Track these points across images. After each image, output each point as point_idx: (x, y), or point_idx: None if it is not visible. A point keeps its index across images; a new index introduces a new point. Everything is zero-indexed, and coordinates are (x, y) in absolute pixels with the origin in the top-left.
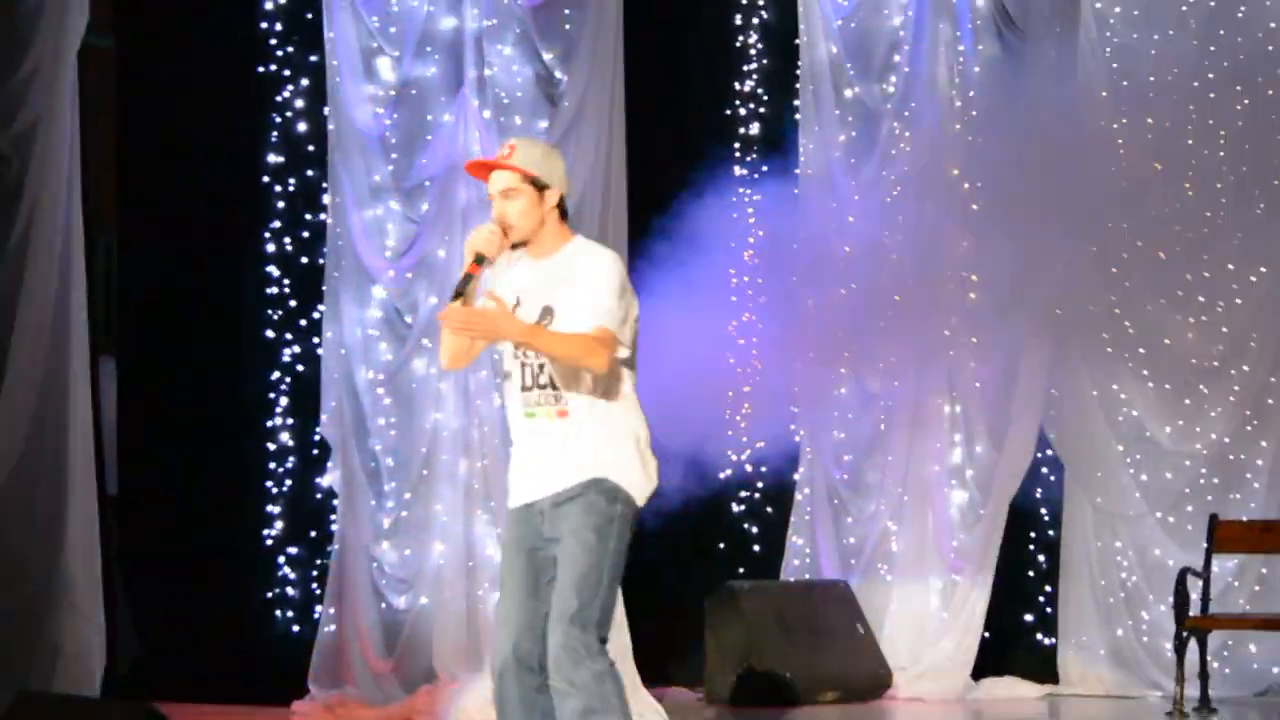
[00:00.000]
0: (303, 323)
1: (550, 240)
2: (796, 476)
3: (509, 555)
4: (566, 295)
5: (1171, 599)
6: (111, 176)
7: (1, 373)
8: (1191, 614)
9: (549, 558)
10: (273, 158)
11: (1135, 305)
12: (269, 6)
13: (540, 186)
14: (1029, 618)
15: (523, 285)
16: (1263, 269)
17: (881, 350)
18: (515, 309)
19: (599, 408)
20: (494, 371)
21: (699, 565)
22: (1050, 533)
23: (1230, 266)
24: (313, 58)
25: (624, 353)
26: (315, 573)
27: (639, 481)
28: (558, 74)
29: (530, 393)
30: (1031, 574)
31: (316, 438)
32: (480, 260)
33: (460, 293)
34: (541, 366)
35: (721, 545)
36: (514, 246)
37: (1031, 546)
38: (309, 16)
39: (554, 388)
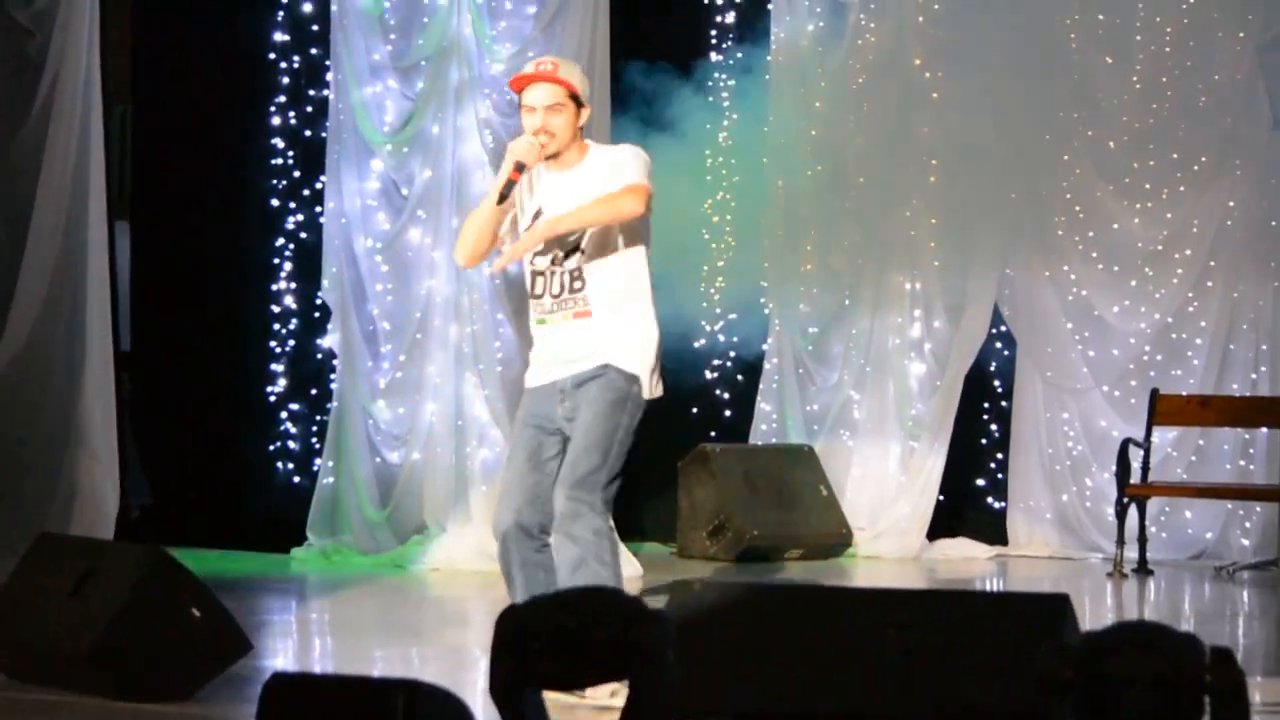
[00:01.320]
0: (305, 193)
1: (574, 154)
2: (765, 347)
3: (519, 429)
4: (601, 194)
5: (1114, 467)
6: (127, 51)
7: (24, 234)
8: (1132, 482)
9: (557, 435)
10: (278, 36)
11: (1085, 191)
12: None
13: (579, 103)
14: (981, 483)
15: (546, 196)
16: (1204, 158)
17: (846, 229)
18: (537, 217)
19: (620, 310)
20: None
21: (673, 429)
22: (1003, 404)
23: (1175, 155)
24: None
25: (643, 210)
26: (315, 428)
27: (651, 381)
28: None
29: (541, 300)
30: (984, 442)
31: (318, 301)
32: (521, 168)
33: (504, 197)
34: (576, 271)
35: (694, 410)
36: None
37: (985, 416)
38: None
39: (575, 291)
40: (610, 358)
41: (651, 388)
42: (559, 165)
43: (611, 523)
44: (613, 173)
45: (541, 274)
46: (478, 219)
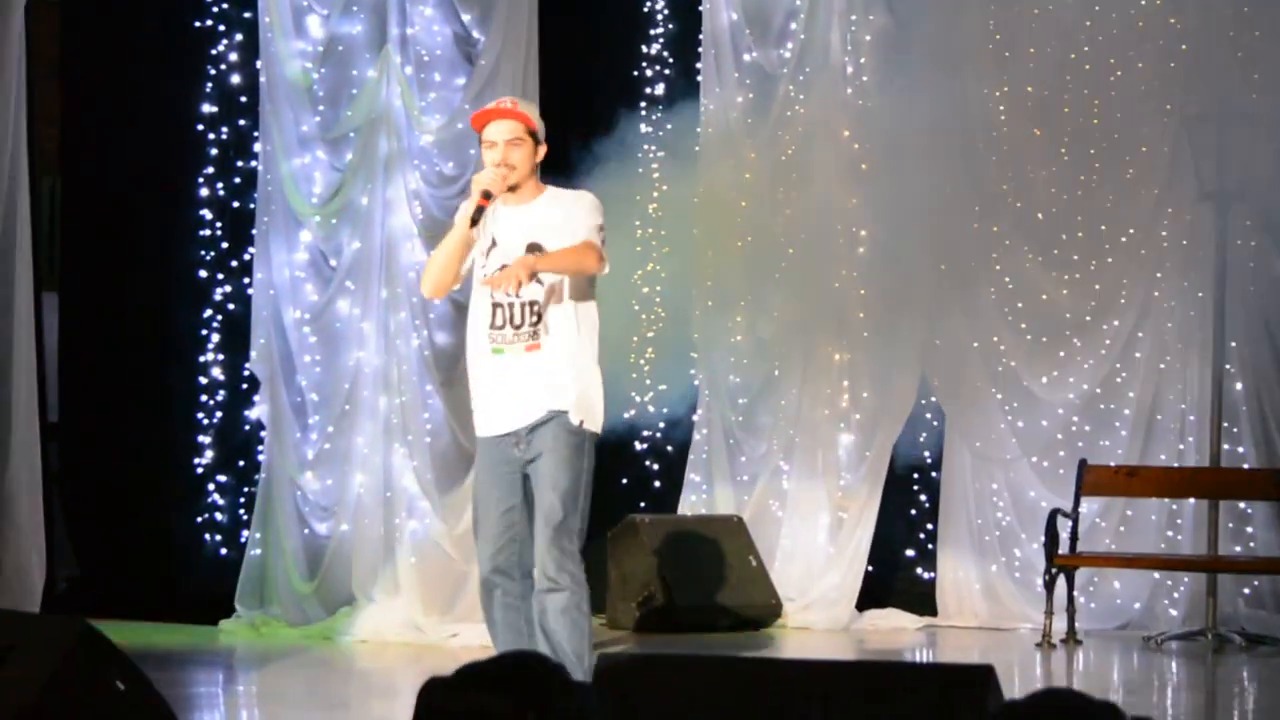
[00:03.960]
0: (234, 264)
1: (530, 189)
2: (695, 418)
3: (484, 477)
4: (554, 232)
5: (1043, 538)
6: (56, 123)
7: None
8: (1061, 552)
9: (520, 474)
10: (207, 107)
11: (1014, 262)
12: None
13: (537, 140)
14: (910, 553)
15: (501, 230)
16: (1131, 230)
17: (775, 300)
18: (492, 249)
19: (570, 344)
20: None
21: (602, 500)
22: (932, 474)
23: (1102, 227)
24: (247, 14)
25: (605, 269)
26: (243, 500)
27: (599, 415)
28: (475, 34)
29: (501, 331)
30: (913, 512)
31: (246, 373)
32: (488, 195)
33: (475, 222)
34: (533, 304)
35: (624, 481)
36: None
37: (914, 487)
38: None
39: (533, 324)
40: (562, 400)
41: (599, 420)
42: (515, 199)
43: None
44: (568, 220)
45: (501, 305)
46: (446, 249)
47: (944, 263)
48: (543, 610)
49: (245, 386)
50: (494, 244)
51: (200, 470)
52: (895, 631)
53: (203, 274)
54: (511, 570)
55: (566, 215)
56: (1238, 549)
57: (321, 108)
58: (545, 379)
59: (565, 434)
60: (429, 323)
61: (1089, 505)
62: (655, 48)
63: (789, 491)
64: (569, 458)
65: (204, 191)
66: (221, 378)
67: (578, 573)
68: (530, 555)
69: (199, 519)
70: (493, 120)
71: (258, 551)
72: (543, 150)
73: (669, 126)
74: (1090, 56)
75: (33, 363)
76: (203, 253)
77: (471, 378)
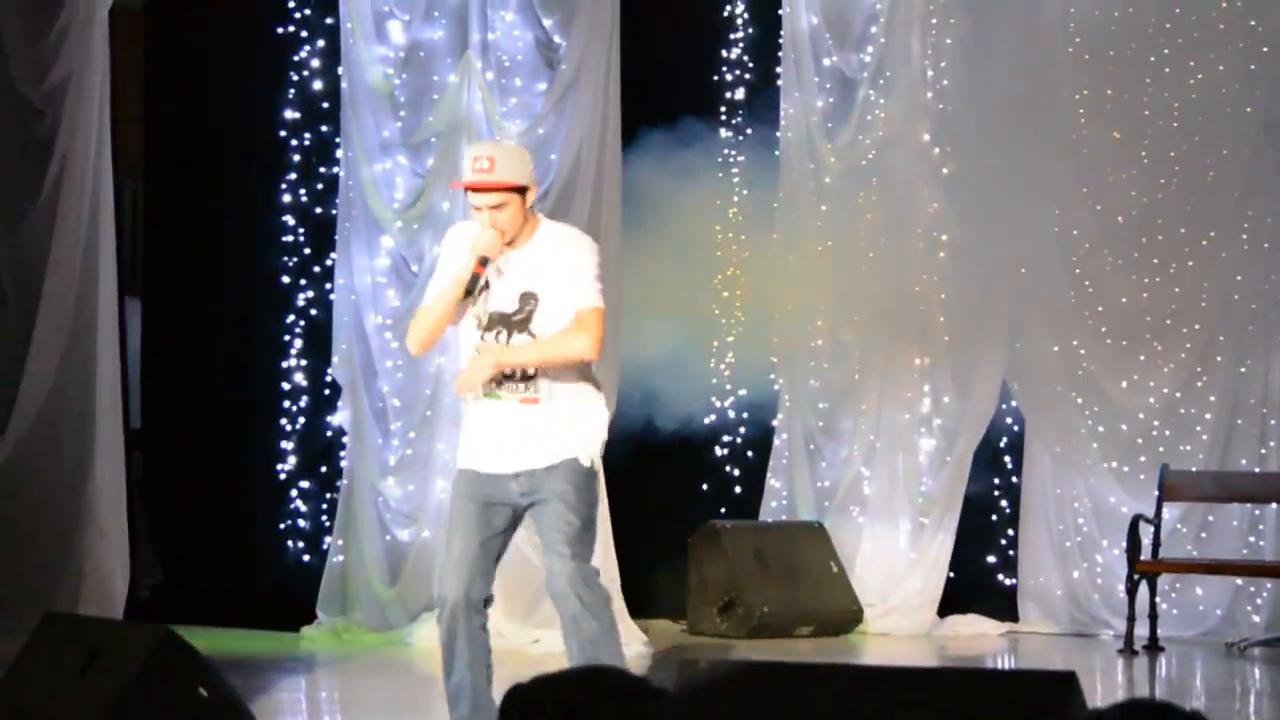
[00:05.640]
0: (316, 269)
1: (524, 230)
2: (775, 423)
3: (462, 505)
4: (550, 281)
5: (1124, 544)
6: (139, 130)
7: (35, 312)
8: (1142, 558)
9: (508, 508)
10: (289, 114)
11: (1093, 265)
12: None
13: (522, 191)
14: (991, 559)
15: (494, 273)
16: (1212, 233)
17: (856, 304)
18: (482, 291)
19: (568, 391)
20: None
21: (684, 505)
22: (1012, 479)
23: (1182, 230)
24: (329, 20)
25: (596, 355)
26: (325, 506)
27: (601, 439)
28: (557, 39)
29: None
30: (994, 518)
31: (328, 379)
32: (484, 262)
33: (469, 291)
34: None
35: (705, 486)
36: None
37: (995, 492)
38: None
39: (527, 378)
40: (562, 451)
41: (603, 441)
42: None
43: None
44: (572, 266)
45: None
46: (436, 311)
47: (1024, 266)
48: (581, 642)
49: (327, 392)
50: (487, 284)
51: (283, 477)
52: (977, 637)
53: (285, 280)
54: (479, 603)
55: (567, 264)
56: None
57: (403, 113)
58: (546, 433)
59: (572, 472)
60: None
61: (1170, 511)
62: (735, 52)
63: (870, 497)
64: (581, 494)
65: (286, 197)
66: (304, 384)
67: (605, 595)
68: (491, 588)
69: (281, 525)
70: (470, 192)
71: (339, 558)
72: (533, 193)
73: (749, 131)
74: (1170, 59)
75: (116, 369)
76: (285, 258)
77: (465, 411)
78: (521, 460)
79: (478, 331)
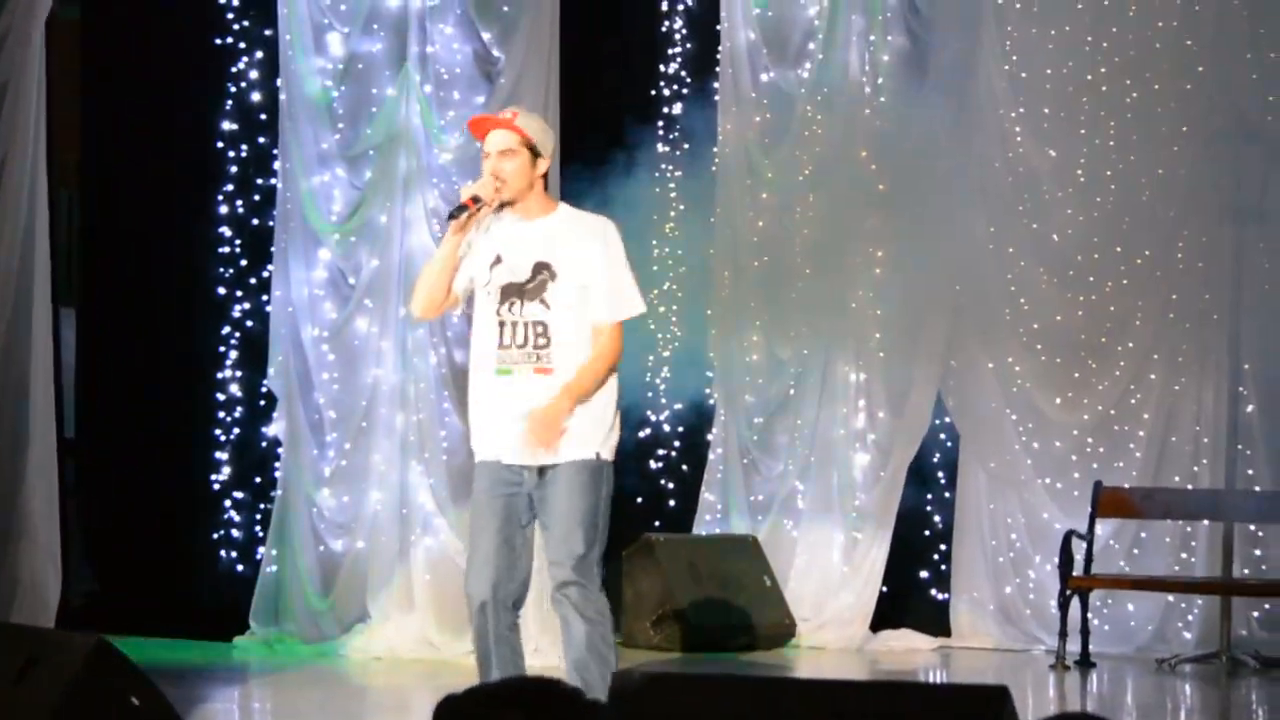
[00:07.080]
0: (252, 281)
1: (537, 205)
2: (710, 436)
3: (484, 501)
4: (567, 256)
5: (1057, 559)
6: (75, 139)
7: None
8: (1075, 574)
9: (527, 498)
10: (227, 125)
11: (1029, 283)
12: None
13: (535, 153)
14: (925, 574)
15: (506, 243)
16: (1147, 251)
17: (792, 320)
18: (495, 264)
19: (578, 356)
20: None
21: (618, 518)
22: (946, 494)
23: (1118, 249)
24: (268, 31)
25: (641, 308)
26: (259, 516)
27: (614, 440)
28: (495, 52)
29: (508, 350)
30: (928, 533)
31: (263, 389)
32: (476, 199)
33: (453, 215)
34: (539, 325)
35: (639, 500)
36: (501, 206)
37: (928, 507)
38: None
39: (541, 345)
40: (577, 444)
41: (614, 443)
42: (521, 213)
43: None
44: (579, 239)
45: (507, 323)
46: (433, 265)
47: (959, 283)
48: (569, 643)
49: (263, 403)
50: (499, 259)
51: (217, 487)
52: (909, 652)
53: (221, 291)
54: (508, 601)
55: (595, 245)
56: (1251, 572)
57: (341, 126)
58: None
59: (583, 469)
60: (446, 340)
61: (1103, 527)
62: (673, 67)
63: (804, 511)
64: (588, 488)
65: (223, 208)
66: (239, 394)
67: (602, 605)
68: (523, 587)
69: (215, 535)
70: (488, 129)
71: (273, 568)
72: (544, 164)
73: (686, 146)
74: (1106, 78)
75: (50, 378)
76: (221, 269)
77: (473, 398)
78: (530, 454)
79: (491, 304)
